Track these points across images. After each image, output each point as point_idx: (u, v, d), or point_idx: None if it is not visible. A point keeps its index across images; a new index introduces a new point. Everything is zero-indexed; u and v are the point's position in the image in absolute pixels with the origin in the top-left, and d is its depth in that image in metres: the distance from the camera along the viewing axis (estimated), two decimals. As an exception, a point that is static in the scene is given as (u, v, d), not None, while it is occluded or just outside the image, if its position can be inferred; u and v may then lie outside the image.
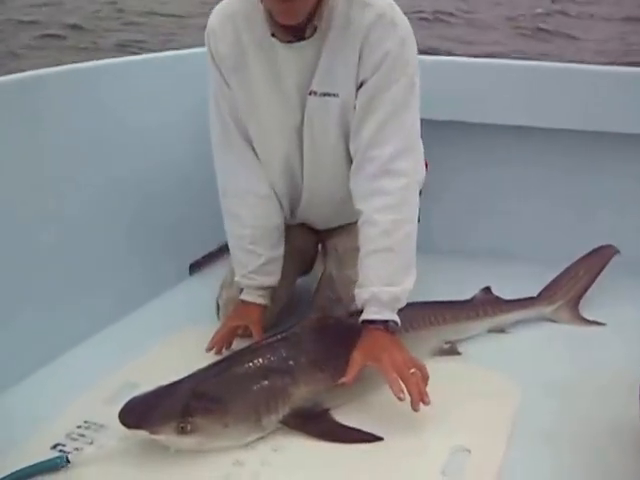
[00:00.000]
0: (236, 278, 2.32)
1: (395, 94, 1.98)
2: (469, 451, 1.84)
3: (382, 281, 1.97)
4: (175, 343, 2.36)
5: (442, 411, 1.96)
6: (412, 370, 1.88)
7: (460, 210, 3.06)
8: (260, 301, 2.30)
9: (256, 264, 2.26)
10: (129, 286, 2.56)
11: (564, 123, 2.77)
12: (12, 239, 2.14)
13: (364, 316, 2.00)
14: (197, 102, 2.30)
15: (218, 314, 2.46)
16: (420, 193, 2.16)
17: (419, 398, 1.85)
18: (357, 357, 1.93)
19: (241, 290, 2.33)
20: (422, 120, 2.11)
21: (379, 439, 1.87)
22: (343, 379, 1.91)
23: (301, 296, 2.56)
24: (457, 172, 2.92)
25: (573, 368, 2.24)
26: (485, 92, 2.80)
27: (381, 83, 1.97)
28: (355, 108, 2.02)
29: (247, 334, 2.26)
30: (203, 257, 2.96)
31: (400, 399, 1.83)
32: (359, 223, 2.05)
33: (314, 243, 2.60)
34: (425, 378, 1.90)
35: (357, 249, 2.07)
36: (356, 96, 2.01)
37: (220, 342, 2.25)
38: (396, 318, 1.99)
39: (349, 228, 2.31)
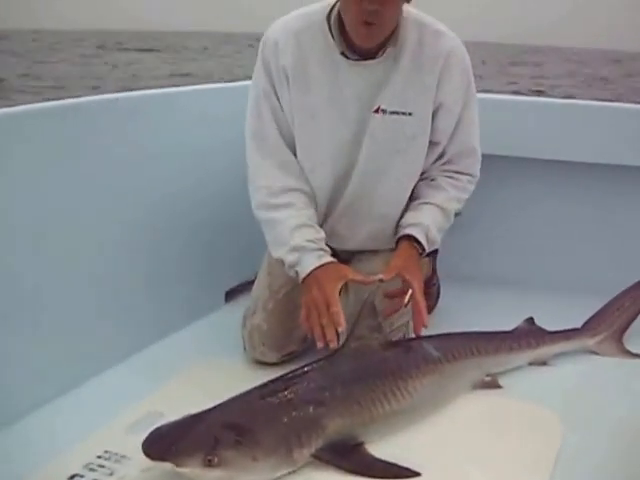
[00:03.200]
0: (286, 257, 2.15)
1: (472, 115, 2.28)
2: (511, 490, 1.78)
3: (434, 225, 2.22)
4: (202, 372, 2.30)
5: (483, 447, 1.92)
6: None
7: (505, 242, 3.06)
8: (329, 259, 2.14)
9: (306, 226, 2.16)
10: (163, 313, 2.56)
11: (604, 158, 2.83)
12: (48, 260, 2.12)
13: (411, 231, 2.20)
14: (237, 134, 2.31)
15: (245, 346, 2.40)
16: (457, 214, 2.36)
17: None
18: (398, 263, 2.14)
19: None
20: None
21: (416, 475, 1.79)
22: (380, 275, 2.08)
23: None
24: (498, 204, 2.98)
25: (618, 404, 2.18)
26: (530, 128, 2.89)
27: (463, 106, 2.23)
28: (431, 126, 2.21)
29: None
30: (239, 285, 2.95)
31: (425, 326, 2.09)
32: (421, 183, 2.29)
33: None
34: None
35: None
36: (432, 117, 2.20)
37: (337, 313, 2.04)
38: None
39: (372, 254, 2.36)
